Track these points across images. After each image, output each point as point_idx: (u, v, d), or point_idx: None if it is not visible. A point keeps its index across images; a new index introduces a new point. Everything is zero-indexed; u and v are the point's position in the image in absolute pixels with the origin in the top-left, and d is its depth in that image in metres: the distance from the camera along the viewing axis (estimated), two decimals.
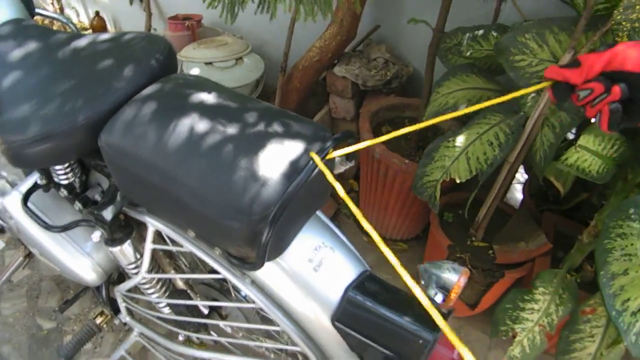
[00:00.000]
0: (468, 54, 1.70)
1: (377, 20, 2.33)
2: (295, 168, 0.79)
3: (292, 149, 0.82)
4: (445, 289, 1.01)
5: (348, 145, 0.83)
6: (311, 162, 0.78)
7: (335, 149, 0.82)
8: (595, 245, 1.24)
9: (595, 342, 1.37)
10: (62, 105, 0.95)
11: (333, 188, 0.77)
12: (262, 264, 0.81)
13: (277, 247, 0.86)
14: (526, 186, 2.07)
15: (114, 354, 1.32)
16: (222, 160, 0.81)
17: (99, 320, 1.35)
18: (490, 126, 1.50)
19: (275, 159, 0.80)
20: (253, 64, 2.46)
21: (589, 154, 1.35)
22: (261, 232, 0.77)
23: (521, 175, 2.36)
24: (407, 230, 2.13)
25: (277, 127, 0.87)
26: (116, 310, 1.34)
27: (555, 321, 1.37)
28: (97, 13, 3.45)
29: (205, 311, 1.26)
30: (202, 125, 0.87)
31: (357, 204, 2.30)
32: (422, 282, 1.04)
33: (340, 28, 2.14)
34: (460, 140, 1.52)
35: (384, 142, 1.87)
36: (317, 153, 0.80)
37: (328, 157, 0.81)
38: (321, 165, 0.77)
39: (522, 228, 1.80)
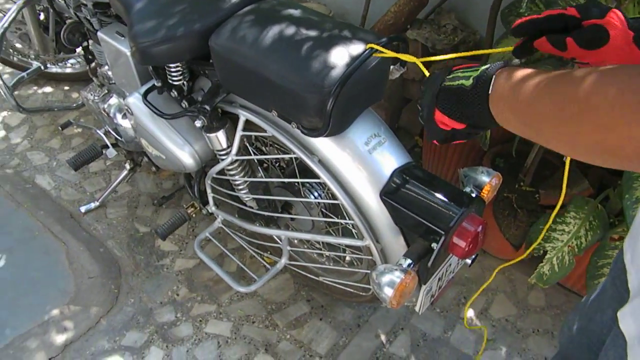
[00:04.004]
0: (526, 14, 1.86)
1: None
2: (355, 57, 1.03)
3: (355, 45, 1.07)
4: (479, 188, 1.21)
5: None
6: (367, 51, 1.02)
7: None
8: (623, 173, 1.39)
9: None
10: (181, 18, 1.24)
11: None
12: (326, 130, 1.05)
13: (339, 122, 1.10)
14: None
15: (199, 235, 1.60)
16: (302, 52, 1.07)
17: (190, 210, 1.64)
18: None
19: (342, 52, 1.06)
20: None
21: None
22: (327, 102, 1.01)
23: None
24: None
25: (345, 33, 1.11)
26: (204, 204, 1.62)
27: (583, 244, 1.53)
28: None
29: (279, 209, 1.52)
30: (288, 29, 1.13)
31: (421, 158, 2.50)
32: (462, 183, 1.25)
33: None
34: None
35: None
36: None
37: (380, 54, 1.04)
38: (382, 49, 1.01)
39: (568, 180, 1.94)
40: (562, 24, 0.75)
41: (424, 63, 0.92)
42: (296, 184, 1.42)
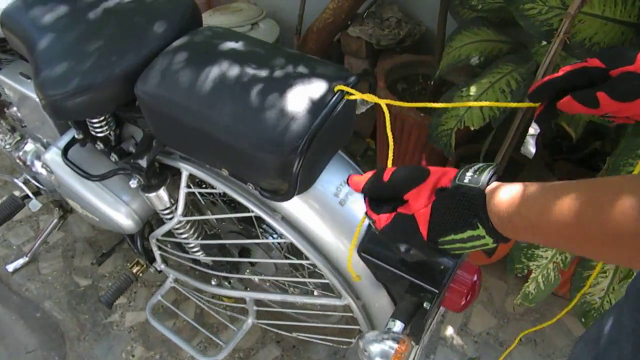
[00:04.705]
0: (479, 7, 1.73)
1: None
2: (322, 102, 0.85)
3: (317, 86, 0.88)
4: None
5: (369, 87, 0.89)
6: (337, 95, 0.85)
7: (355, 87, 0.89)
8: (599, 170, 1.29)
9: (608, 278, 1.43)
10: (98, 60, 1.02)
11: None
12: (293, 194, 0.88)
13: (306, 180, 0.93)
14: (539, 137, 2.11)
15: (150, 299, 1.40)
16: (253, 99, 0.88)
17: (135, 269, 1.44)
18: (502, 75, 1.55)
19: (303, 96, 0.87)
20: (268, 29, 2.51)
21: None
22: (292, 162, 0.83)
23: (534, 130, 2.40)
24: None
25: (302, 69, 0.93)
26: (151, 260, 1.42)
27: (568, 258, 1.43)
28: None
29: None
30: (232, 69, 0.93)
31: (374, 163, 2.36)
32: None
33: None
34: (473, 89, 1.57)
35: (399, 98, 1.92)
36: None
37: (351, 97, 0.87)
38: (353, 92, 0.84)
39: (535, 177, 1.85)
40: (586, 79, 0.65)
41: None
42: (255, 232, 1.24)
